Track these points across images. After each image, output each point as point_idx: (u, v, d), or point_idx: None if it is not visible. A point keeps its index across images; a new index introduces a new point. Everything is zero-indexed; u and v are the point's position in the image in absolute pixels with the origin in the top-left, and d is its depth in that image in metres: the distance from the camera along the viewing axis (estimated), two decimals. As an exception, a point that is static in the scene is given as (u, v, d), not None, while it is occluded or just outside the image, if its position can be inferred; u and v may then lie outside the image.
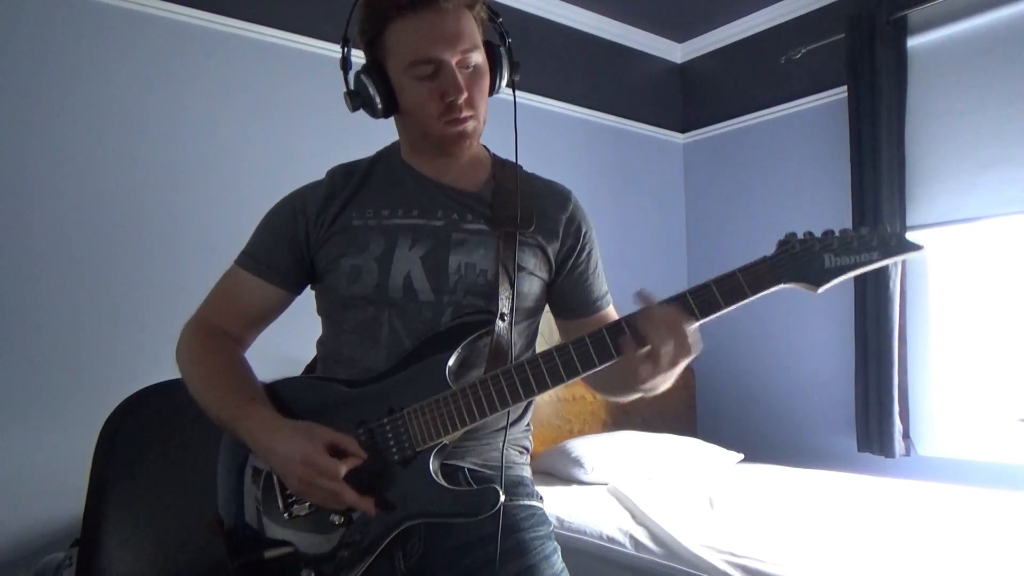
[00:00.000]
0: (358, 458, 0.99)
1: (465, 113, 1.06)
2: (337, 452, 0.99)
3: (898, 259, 0.97)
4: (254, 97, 2.58)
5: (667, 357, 0.94)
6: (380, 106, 1.09)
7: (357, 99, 1.11)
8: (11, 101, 2.15)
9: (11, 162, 2.14)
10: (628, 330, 0.97)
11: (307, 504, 1.04)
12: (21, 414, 2.11)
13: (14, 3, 2.17)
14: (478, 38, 1.07)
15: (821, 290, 0.96)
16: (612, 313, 1.23)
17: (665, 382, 1.00)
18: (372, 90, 1.08)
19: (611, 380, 1.10)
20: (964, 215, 2.95)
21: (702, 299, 0.96)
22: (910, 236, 0.96)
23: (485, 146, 1.22)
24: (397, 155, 1.19)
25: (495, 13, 1.13)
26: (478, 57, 1.07)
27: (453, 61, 1.03)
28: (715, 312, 0.96)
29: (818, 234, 0.98)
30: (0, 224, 2.12)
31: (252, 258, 1.16)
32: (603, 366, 0.99)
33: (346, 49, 1.14)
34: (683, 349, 0.94)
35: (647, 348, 0.95)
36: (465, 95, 1.05)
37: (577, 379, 1.01)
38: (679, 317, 0.95)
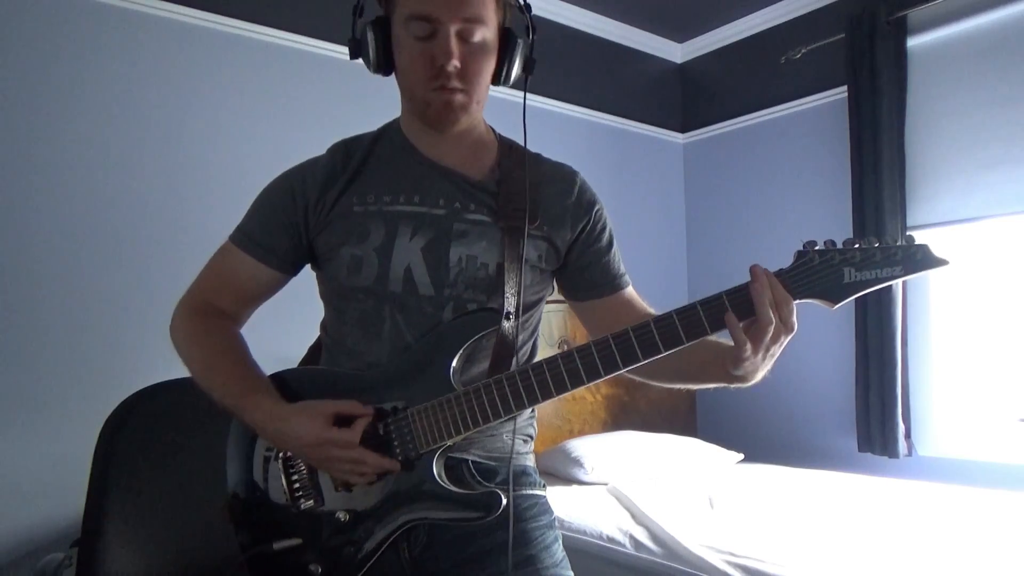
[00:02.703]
0: (368, 417, 1.00)
1: (454, 83, 1.01)
2: (344, 421, 0.99)
3: (923, 274, 0.91)
4: (254, 97, 2.58)
5: (771, 333, 0.91)
6: (373, 59, 1.07)
7: (356, 48, 1.08)
8: (11, 101, 2.15)
9: (11, 162, 2.14)
10: (728, 302, 0.93)
11: (312, 499, 1.05)
12: (21, 414, 2.11)
13: (15, 3, 2.17)
14: (490, 14, 1.03)
15: (837, 307, 0.92)
16: (634, 293, 1.20)
17: (759, 369, 0.96)
18: (372, 42, 1.05)
19: (679, 368, 1.07)
20: (965, 215, 2.95)
21: (712, 310, 0.93)
22: (929, 243, 0.89)
23: (492, 128, 1.20)
24: (399, 132, 1.15)
25: (527, 4, 1.09)
26: (485, 33, 1.02)
27: (452, 27, 0.99)
28: (725, 326, 0.93)
29: (839, 243, 0.92)
30: (0, 223, 2.12)
31: (248, 237, 1.13)
32: (677, 348, 0.94)
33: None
34: (786, 325, 0.91)
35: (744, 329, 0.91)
36: (456, 64, 1.00)
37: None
38: (781, 291, 0.91)
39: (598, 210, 1.17)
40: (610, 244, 1.18)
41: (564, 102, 3.44)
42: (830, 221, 3.31)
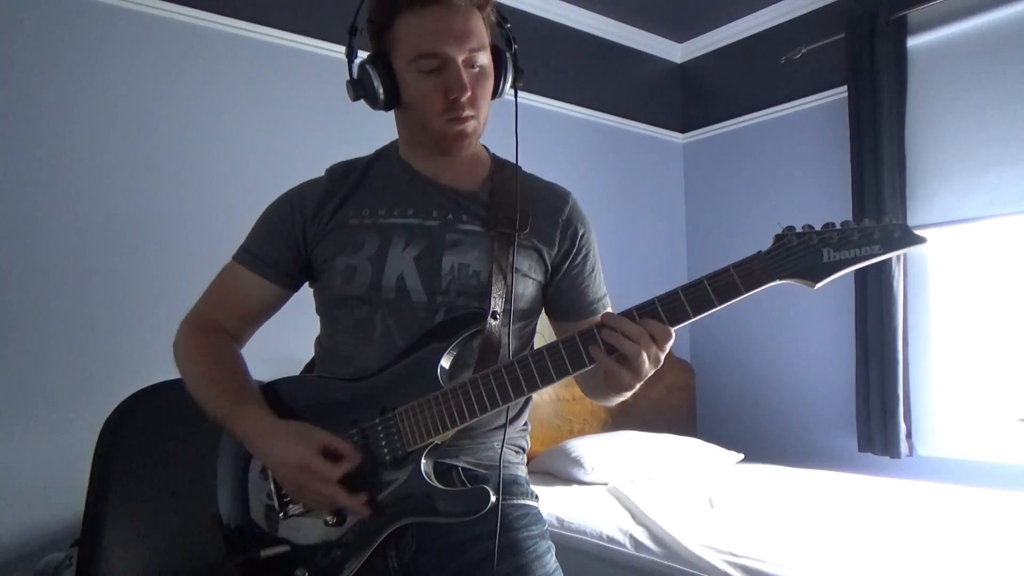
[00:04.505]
0: (352, 461, 1.00)
1: (467, 112, 1.06)
2: (331, 455, 0.99)
3: (901, 252, 0.93)
4: (255, 97, 2.58)
5: (643, 366, 0.95)
6: (382, 97, 1.08)
7: (359, 88, 1.10)
8: (13, 101, 2.15)
9: (14, 162, 2.14)
10: (599, 337, 0.96)
11: (302, 504, 1.05)
12: (21, 414, 2.11)
13: (15, 3, 2.17)
14: (486, 39, 1.07)
15: (818, 286, 0.94)
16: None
17: (635, 386, 1.01)
18: (376, 80, 1.07)
19: (594, 383, 1.13)
20: (965, 215, 2.95)
21: (695, 295, 0.95)
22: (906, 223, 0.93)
23: (485, 146, 1.23)
24: (395, 152, 1.19)
25: (503, 17, 1.14)
26: (484, 58, 1.07)
27: (459, 59, 1.03)
28: (708, 309, 0.95)
29: (818, 227, 0.95)
30: (2, 224, 2.12)
31: (250, 254, 1.16)
32: (576, 373, 0.99)
33: (353, 38, 1.12)
34: (656, 360, 0.96)
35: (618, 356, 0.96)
36: (468, 94, 1.04)
37: (567, 378, 1.00)
38: (654, 323, 0.95)
39: (584, 236, 1.20)
40: (592, 269, 1.21)
41: (564, 102, 3.44)
42: (830, 220, 3.30)
